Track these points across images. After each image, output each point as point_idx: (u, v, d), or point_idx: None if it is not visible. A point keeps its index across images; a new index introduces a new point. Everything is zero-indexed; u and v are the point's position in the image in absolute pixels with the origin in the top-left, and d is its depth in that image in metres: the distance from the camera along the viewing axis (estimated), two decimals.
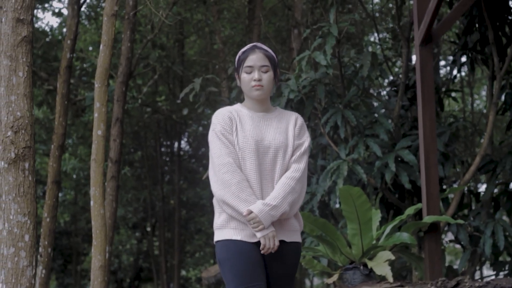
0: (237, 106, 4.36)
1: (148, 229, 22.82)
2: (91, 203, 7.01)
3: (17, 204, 4.82)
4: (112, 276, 22.25)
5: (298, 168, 4.21)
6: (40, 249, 10.40)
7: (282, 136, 4.25)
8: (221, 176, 4.10)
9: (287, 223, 4.20)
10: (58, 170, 10.78)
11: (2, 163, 4.86)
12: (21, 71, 4.92)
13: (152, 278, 23.39)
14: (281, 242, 4.17)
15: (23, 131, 4.89)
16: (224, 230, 4.16)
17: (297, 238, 4.28)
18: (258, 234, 4.05)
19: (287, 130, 4.30)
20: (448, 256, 25.42)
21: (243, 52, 4.32)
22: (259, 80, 4.22)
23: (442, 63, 16.32)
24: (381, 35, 15.90)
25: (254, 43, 4.36)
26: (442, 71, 15.72)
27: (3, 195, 4.86)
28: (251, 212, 4.03)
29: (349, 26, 8.40)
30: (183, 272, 24.64)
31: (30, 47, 4.95)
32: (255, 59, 4.24)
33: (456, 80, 15.05)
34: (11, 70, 4.90)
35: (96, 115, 7.12)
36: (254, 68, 4.24)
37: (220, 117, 4.24)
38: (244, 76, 4.26)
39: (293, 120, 4.36)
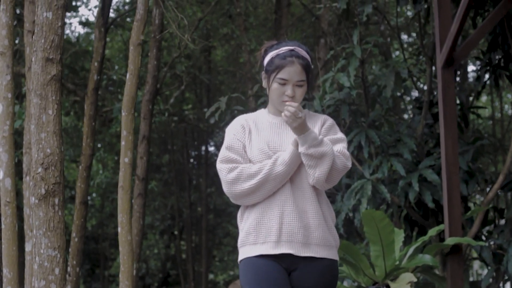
0: (258, 112, 4.01)
1: (176, 233, 22.97)
2: (119, 229, 7.14)
3: (47, 239, 4.96)
4: (140, 281, 22.41)
5: (343, 154, 3.85)
6: (69, 269, 10.50)
7: None
8: (224, 179, 3.85)
9: (316, 236, 3.78)
10: (86, 191, 10.88)
11: (33, 198, 5.01)
12: (51, 109, 5.06)
13: (179, 283, 23.53)
14: (310, 258, 3.75)
15: (52, 168, 5.03)
16: (244, 248, 3.84)
17: (331, 255, 3.83)
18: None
19: None
20: (479, 269, 25.27)
21: (278, 57, 3.84)
22: (292, 96, 3.79)
23: (471, 69, 16.35)
24: (405, 46, 15.94)
25: (292, 47, 3.85)
26: (470, 79, 15.74)
27: (34, 230, 5.00)
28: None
29: (373, 48, 8.47)
30: (211, 276, 24.73)
31: (59, 85, 5.10)
32: (292, 72, 3.78)
33: (486, 84, 15.04)
34: (41, 108, 5.05)
35: (123, 143, 7.24)
36: (288, 82, 3.79)
37: (232, 128, 3.94)
38: (275, 86, 3.80)
39: (319, 122, 3.94)
